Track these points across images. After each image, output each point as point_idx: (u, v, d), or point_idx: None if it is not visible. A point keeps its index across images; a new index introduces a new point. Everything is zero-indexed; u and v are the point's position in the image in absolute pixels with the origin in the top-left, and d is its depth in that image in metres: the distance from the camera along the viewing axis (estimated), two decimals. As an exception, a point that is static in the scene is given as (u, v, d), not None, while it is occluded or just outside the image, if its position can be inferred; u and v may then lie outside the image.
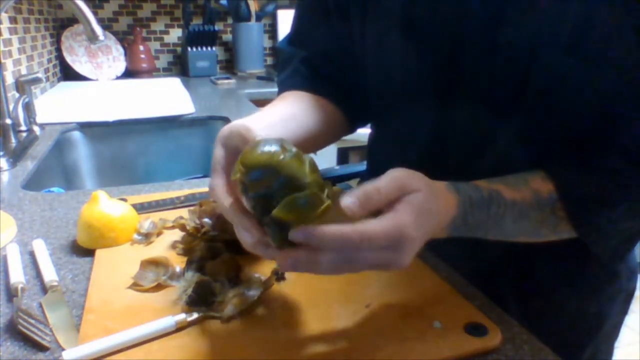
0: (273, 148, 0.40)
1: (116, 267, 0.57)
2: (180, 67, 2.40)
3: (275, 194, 0.39)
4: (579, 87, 0.50)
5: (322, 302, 0.51)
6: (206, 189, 0.81)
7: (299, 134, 0.58)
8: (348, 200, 0.40)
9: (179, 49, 2.38)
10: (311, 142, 0.63)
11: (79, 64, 2.07)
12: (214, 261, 0.54)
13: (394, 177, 0.43)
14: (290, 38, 0.76)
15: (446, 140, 0.61)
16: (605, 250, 0.54)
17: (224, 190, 0.47)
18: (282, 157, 0.39)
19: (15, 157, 1.00)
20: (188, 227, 0.61)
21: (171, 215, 0.69)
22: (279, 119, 0.57)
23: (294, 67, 0.72)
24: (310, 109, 0.64)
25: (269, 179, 0.39)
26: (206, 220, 0.62)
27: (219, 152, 0.49)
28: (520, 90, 0.52)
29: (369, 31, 0.64)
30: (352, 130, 0.74)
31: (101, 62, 2.15)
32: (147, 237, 0.64)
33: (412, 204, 0.41)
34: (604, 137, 0.51)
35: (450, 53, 0.56)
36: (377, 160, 0.79)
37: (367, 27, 0.64)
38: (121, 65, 2.19)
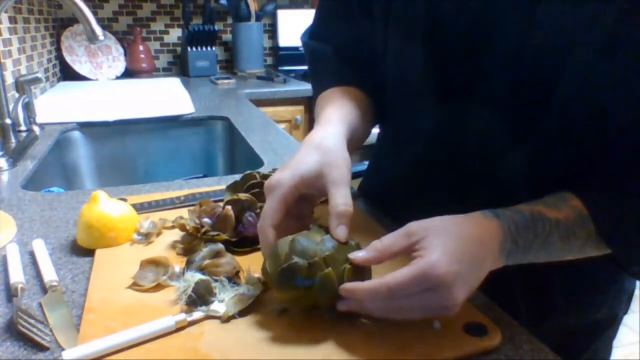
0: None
1: (116, 267, 0.57)
2: (180, 67, 2.40)
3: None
4: (611, 93, 0.48)
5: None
6: (206, 189, 0.81)
7: (356, 137, 0.63)
8: (358, 255, 0.45)
9: (179, 49, 2.38)
10: (361, 140, 0.67)
11: (79, 64, 2.07)
12: (214, 261, 0.54)
13: (404, 228, 0.45)
14: (312, 32, 0.77)
15: (461, 144, 0.60)
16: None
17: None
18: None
19: (15, 157, 1.00)
20: (188, 227, 0.61)
21: (171, 215, 0.69)
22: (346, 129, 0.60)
23: (329, 63, 0.73)
24: (357, 106, 0.65)
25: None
26: (206, 220, 0.62)
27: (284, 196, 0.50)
28: (547, 95, 0.51)
29: (392, 35, 0.64)
30: (376, 124, 0.75)
31: (101, 62, 2.15)
32: (147, 237, 0.64)
33: (435, 243, 0.43)
34: (634, 152, 0.49)
35: (473, 56, 0.55)
36: (386, 160, 0.78)
37: (389, 31, 0.64)
38: (121, 66, 2.19)
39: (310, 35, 0.77)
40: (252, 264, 0.56)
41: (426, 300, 0.42)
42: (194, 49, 2.23)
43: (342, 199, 0.48)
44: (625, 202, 0.49)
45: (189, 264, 0.54)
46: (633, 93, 0.47)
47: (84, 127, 1.35)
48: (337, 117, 0.59)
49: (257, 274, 0.53)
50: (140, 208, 0.72)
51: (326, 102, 0.66)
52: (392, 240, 0.45)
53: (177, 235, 0.64)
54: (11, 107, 1.14)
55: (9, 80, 1.35)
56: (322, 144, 0.52)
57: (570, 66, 0.48)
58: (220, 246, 0.57)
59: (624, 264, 0.51)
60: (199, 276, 0.51)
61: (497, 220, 0.47)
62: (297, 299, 0.46)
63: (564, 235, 0.48)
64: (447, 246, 0.42)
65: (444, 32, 0.57)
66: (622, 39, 0.46)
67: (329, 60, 0.73)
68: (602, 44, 0.46)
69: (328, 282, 0.44)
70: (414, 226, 0.45)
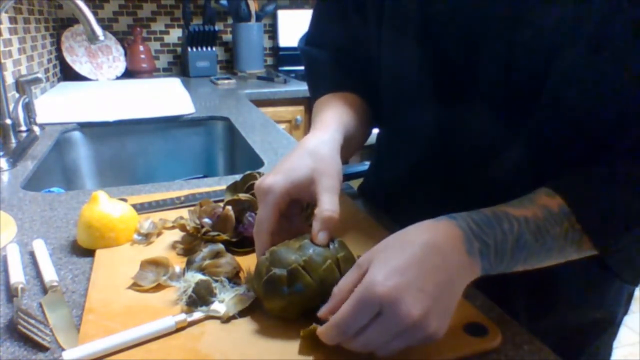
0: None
1: (116, 267, 0.57)
2: (180, 67, 2.40)
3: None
4: (598, 88, 0.48)
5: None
6: (206, 189, 0.81)
7: (352, 143, 0.63)
8: (323, 311, 0.43)
9: (179, 49, 2.38)
10: (358, 145, 0.68)
11: (79, 64, 2.07)
12: (214, 261, 0.54)
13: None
14: (308, 38, 0.77)
15: (457, 143, 0.61)
16: (631, 271, 0.51)
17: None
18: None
19: (15, 157, 1.00)
20: (188, 227, 0.61)
21: (171, 215, 0.69)
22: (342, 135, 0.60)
23: (326, 69, 0.73)
24: (353, 111, 0.65)
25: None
26: (206, 220, 0.62)
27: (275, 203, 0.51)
28: (537, 92, 0.51)
29: (385, 34, 0.64)
30: (374, 127, 0.75)
31: (101, 62, 2.15)
32: (147, 237, 0.64)
33: (376, 262, 0.41)
34: (617, 141, 0.49)
35: (466, 55, 0.56)
36: (385, 160, 0.79)
37: (383, 31, 0.64)
38: (121, 66, 2.19)
39: (307, 41, 0.77)
40: (252, 264, 0.55)
41: (383, 327, 0.39)
42: (194, 49, 2.23)
43: (329, 205, 0.49)
44: (605, 191, 0.48)
45: (189, 264, 0.55)
46: (618, 89, 0.48)
47: (84, 127, 1.34)
48: (333, 122, 0.60)
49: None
50: (140, 208, 0.72)
51: (322, 107, 0.66)
52: (345, 279, 0.43)
53: (177, 235, 0.64)
54: (11, 107, 1.14)
55: (9, 80, 1.35)
56: (316, 150, 0.53)
57: (560, 63, 0.49)
58: (220, 246, 0.57)
59: (602, 252, 0.48)
60: (199, 276, 0.51)
61: (451, 220, 0.44)
62: (287, 306, 0.46)
63: (536, 233, 0.45)
64: (387, 261, 0.40)
65: (436, 31, 0.57)
66: (609, 36, 0.46)
67: (325, 65, 0.73)
68: (589, 40, 0.47)
69: (308, 287, 0.45)
70: (363, 256, 0.44)
